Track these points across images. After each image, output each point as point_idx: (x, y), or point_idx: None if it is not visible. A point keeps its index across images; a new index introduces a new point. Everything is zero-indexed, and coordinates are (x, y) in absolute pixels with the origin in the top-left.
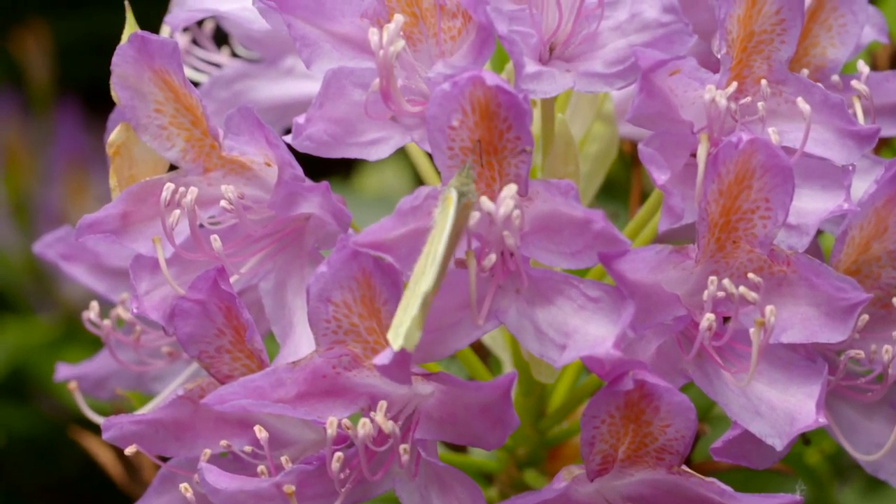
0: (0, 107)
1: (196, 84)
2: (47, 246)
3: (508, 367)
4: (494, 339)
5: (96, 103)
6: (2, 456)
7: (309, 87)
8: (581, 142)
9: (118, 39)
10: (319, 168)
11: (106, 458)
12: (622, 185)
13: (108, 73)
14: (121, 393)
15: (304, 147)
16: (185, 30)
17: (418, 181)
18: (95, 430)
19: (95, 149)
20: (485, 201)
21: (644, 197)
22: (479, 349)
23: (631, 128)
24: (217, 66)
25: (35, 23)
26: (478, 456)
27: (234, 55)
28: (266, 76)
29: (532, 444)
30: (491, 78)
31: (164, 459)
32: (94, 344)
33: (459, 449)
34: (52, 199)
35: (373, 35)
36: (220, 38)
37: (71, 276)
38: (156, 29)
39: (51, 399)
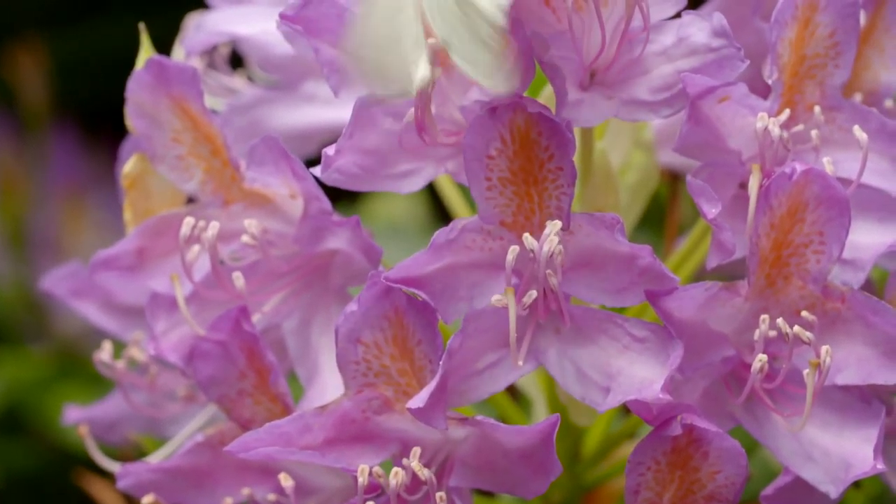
0: None
1: (211, 110)
2: (56, 282)
3: (540, 408)
4: (526, 378)
5: (95, 126)
6: None
7: (331, 114)
8: (620, 171)
9: (119, 58)
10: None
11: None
12: (653, 214)
13: (107, 94)
14: (133, 437)
15: (333, 180)
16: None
17: (432, 209)
18: (93, 468)
19: (93, 174)
20: (527, 238)
21: (680, 228)
22: (510, 388)
23: (669, 157)
24: (232, 90)
25: (30, 40)
26: (508, 502)
27: (250, 79)
28: (285, 103)
29: (566, 490)
30: (532, 105)
31: None
32: (92, 379)
33: (488, 493)
34: (47, 226)
35: None
36: (235, 61)
37: (81, 314)
38: (162, 50)
39: (46, 437)
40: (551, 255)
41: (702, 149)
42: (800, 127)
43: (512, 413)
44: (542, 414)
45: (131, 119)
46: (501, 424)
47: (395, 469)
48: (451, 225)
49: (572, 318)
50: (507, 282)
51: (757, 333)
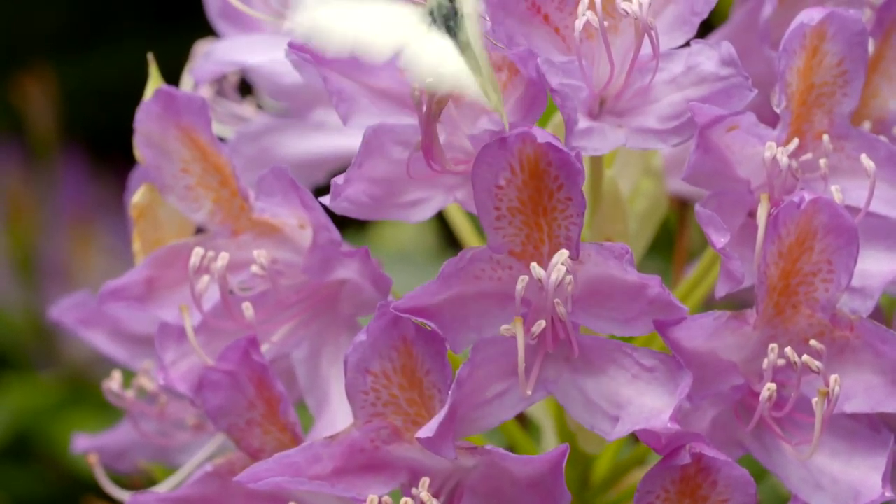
0: (1, 156)
1: (220, 138)
2: (64, 312)
3: (549, 435)
4: (535, 405)
5: (103, 152)
6: None
7: (340, 142)
8: (629, 199)
9: (127, 86)
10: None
11: None
12: (662, 241)
13: (115, 121)
14: (143, 466)
15: (342, 209)
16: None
17: (441, 235)
18: (103, 496)
19: (101, 200)
20: (534, 267)
21: (689, 254)
22: (519, 415)
23: (678, 184)
24: (241, 117)
25: (38, 67)
26: None
27: (259, 107)
28: (294, 131)
29: None
30: (542, 135)
31: None
32: (101, 406)
33: None
34: (56, 252)
35: (415, 89)
36: (244, 88)
37: (90, 343)
38: (171, 76)
39: (54, 464)
40: (560, 285)
41: (710, 178)
42: (808, 155)
43: (521, 440)
44: (550, 440)
45: (140, 149)
46: (510, 454)
47: (404, 499)
48: (460, 255)
49: (581, 348)
50: (516, 311)
51: (766, 362)
